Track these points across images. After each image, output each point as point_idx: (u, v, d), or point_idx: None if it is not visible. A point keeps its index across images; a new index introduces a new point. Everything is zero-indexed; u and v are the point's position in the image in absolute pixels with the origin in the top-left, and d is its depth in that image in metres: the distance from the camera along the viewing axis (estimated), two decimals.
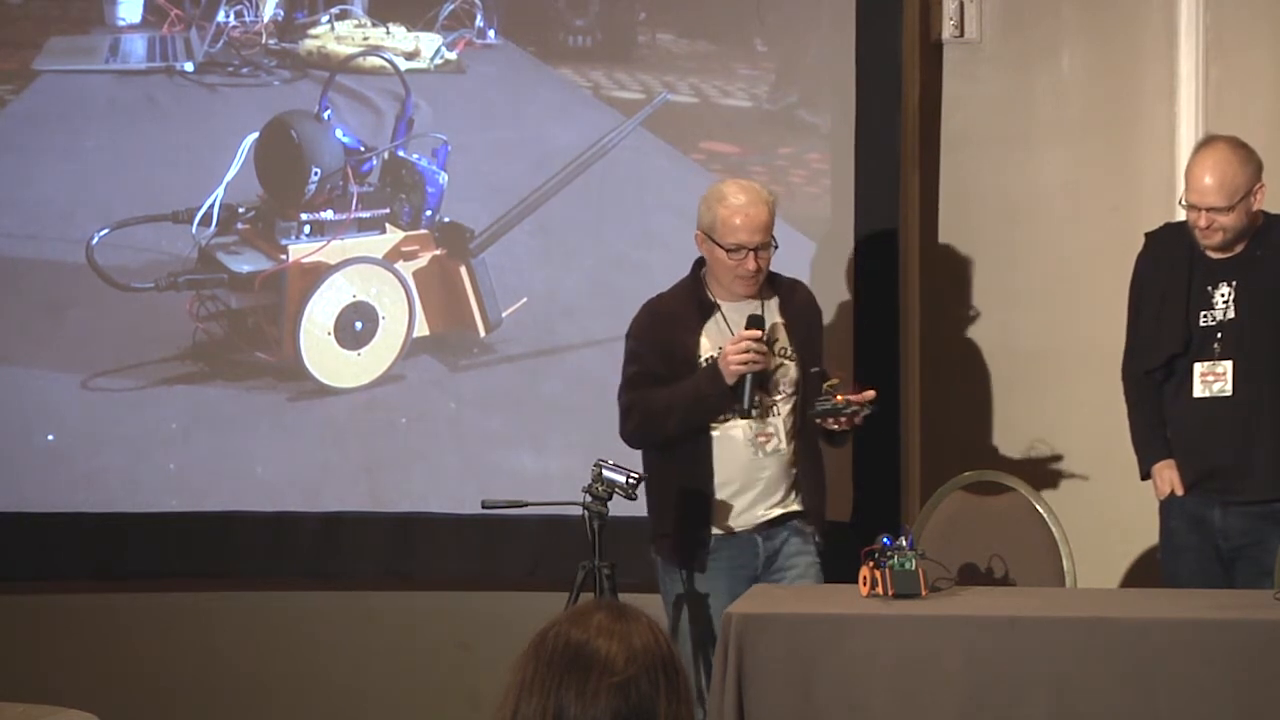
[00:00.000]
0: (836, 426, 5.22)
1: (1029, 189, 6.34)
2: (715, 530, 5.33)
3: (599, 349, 6.26)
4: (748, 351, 5.18)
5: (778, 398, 5.32)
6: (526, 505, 5.44)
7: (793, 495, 5.37)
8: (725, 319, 5.33)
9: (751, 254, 5.25)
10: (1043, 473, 5.97)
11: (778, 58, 6.31)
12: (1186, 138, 6.16)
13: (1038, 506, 5.69)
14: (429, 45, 6.36)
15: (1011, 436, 6.28)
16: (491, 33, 6.35)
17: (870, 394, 5.19)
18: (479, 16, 6.34)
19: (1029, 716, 4.56)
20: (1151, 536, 5.79)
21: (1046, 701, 4.55)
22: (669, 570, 5.37)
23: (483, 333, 6.34)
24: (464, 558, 6.30)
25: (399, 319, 6.35)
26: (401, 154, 6.34)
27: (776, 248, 5.32)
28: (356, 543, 6.33)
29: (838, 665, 4.62)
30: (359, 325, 6.37)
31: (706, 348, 5.32)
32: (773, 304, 5.37)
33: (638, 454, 5.49)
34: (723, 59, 6.32)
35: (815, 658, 4.63)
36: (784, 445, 5.33)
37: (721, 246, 5.26)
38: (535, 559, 6.22)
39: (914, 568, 4.83)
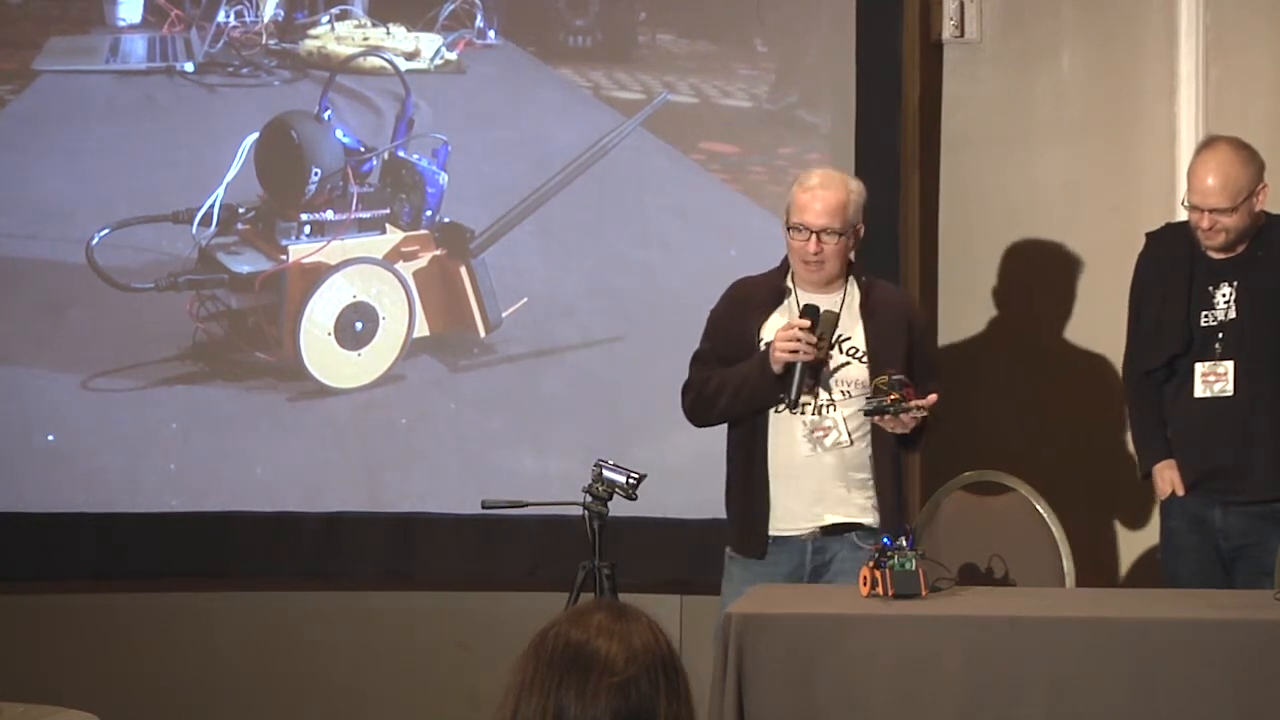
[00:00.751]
0: (889, 426, 5.09)
1: (1029, 189, 6.34)
2: (771, 528, 5.22)
3: (599, 349, 6.27)
4: (795, 340, 5.11)
5: (837, 396, 5.20)
6: (526, 505, 5.44)
7: (860, 505, 5.22)
8: (797, 306, 5.25)
9: (813, 236, 5.17)
10: (1043, 473, 5.96)
11: (778, 58, 6.31)
12: (1186, 138, 6.16)
13: (1038, 506, 5.69)
14: (429, 45, 6.36)
15: (1011, 436, 6.28)
16: (491, 33, 6.35)
17: (931, 398, 5.06)
18: (479, 16, 6.34)
19: (1029, 716, 4.56)
20: (1151, 536, 5.80)
21: (1046, 701, 4.55)
22: (729, 557, 5.31)
23: (483, 333, 6.34)
24: (464, 558, 6.30)
25: (399, 319, 6.35)
26: (401, 154, 6.34)
27: (852, 241, 5.23)
28: (356, 543, 6.32)
29: (838, 665, 4.62)
30: (359, 325, 6.37)
31: (770, 332, 5.23)
32: (852, 300, 5.27)
33: (638, 454, 5.48)
34: (723, 59, 6.32)
35: (815, 658, 4.62)
36: (846, 440, 5.19)
37: (788, 227, 5.23)
38: (535, 559, 6.21)
39: (914, 568, 4.82)
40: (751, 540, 5.25)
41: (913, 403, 5.03)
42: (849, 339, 5.24)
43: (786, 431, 5.21)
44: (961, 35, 6.34)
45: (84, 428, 6.36)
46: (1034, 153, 6.33)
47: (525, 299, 6.32)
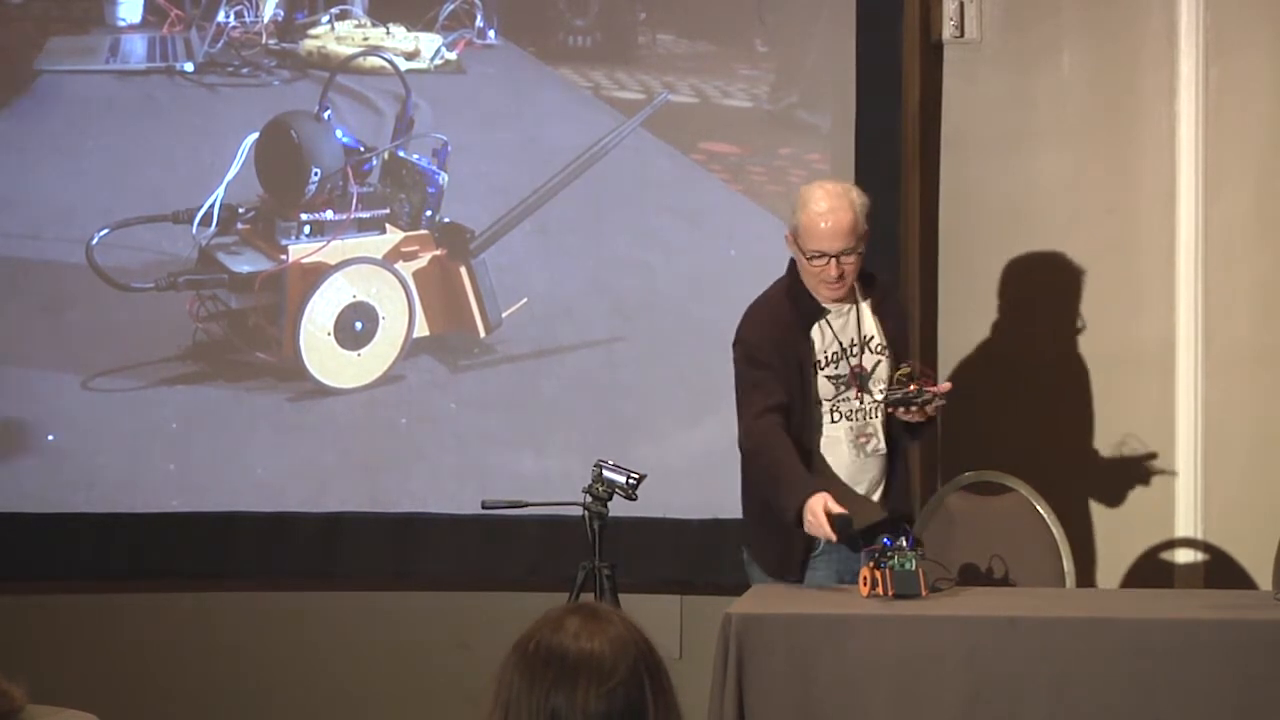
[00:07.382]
0: (909, 416, 5.08)
1: (1029, 189, 6.34)
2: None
3: (599, 349, 6.26)
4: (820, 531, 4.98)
5: (878, 396, 5.19)
6: (526, 505, 5.43)
7: (888, 499, 5.25)
8: (830, 323, 5.19)
9: (833, 260, 5.11)
10: (1043, 473, 5.96)
11: (778, 58, 6.31)
12: (1186, 138, 6.16)
13: (1038, 506, 5.69)
14: (429, 45, 6.36)
15: (1012, 437, 6.28)
16: (491, 33, 6.36)
17: (947, 386, 5.12)
18: (479, 16, 6.35)
19: (1029, 716, 4.56)
20: (1152, 536, 5.79)
21: (1046, 701, 4.55)
22: (764, 580, 5.22)
23: (483, 333, 6.34)
24: (464, 558, 6.30)
25: (399, 319, 6.35)
26: (401, 154, 6.34)
27: (862, 253, 5.16)
28: (356, 543, 6.32)
29: (838, 665, 4.62)
30: (359, 325, 6.37)
31: (817, 349, 5.18)
32: (866, 306, 5.24)
33: (638, 454, 5.46)
34: (723, 59, 6.32)
35: (815, 658, 4.63)
36: (883, 445, 5.22)
37: (804, 253, 5.15)
38: (535, 559, 6.21)
39: (914, 568, 4.82)
40: (799, 563, 5.17)
41: (933, 389, 5.05)
42: (873, 337, 5.25)
43: (833, 443, 5.20)
44: (961, 35, 6.34)
45: (84, 428, 6.36)
46: (1034, 153, 6.33)
47: (525, 299, 6.32)
